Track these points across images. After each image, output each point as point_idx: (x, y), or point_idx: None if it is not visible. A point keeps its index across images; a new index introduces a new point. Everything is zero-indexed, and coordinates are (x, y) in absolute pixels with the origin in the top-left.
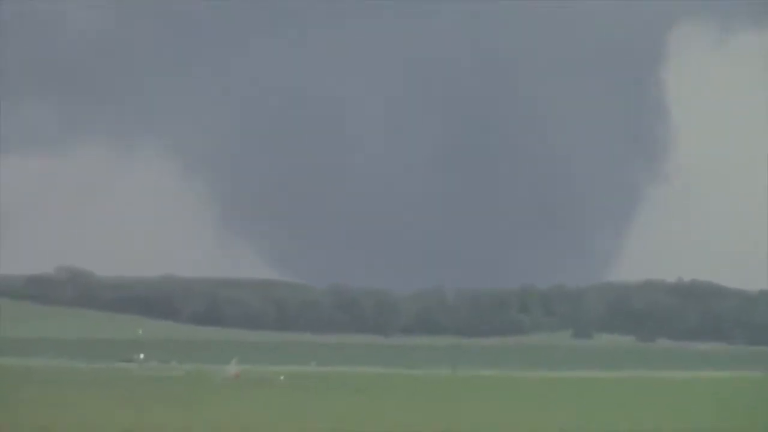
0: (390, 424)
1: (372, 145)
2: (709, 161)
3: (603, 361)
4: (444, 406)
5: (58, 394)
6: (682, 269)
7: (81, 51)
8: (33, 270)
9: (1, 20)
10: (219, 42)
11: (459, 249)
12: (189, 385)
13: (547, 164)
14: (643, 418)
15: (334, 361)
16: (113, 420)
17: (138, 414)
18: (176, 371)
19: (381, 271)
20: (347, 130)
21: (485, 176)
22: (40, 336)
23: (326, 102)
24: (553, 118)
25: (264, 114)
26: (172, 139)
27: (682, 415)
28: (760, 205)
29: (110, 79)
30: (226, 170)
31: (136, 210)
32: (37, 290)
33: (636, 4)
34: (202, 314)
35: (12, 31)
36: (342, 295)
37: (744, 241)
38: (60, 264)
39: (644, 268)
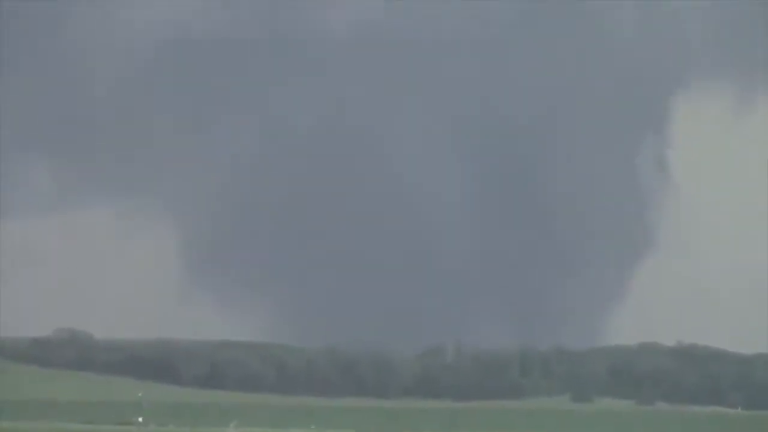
0: None
1: (372, 204)
2: (709, 226)
3: (603, 424)
4: None
5: None
6: (681, 332)
7: (84, 111)
8: (31, 332)
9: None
10: (232, 93)
11: (463, 304)
12: None
13: (547, 229)
14: None
15: (333, 424)
16: None
17: None
18: None
19: (380, 330)
20: (345, 192)
21: (487, 228)
22: (40, 398)
23: (332, 150)
24: (556, 181)
25: (269, 170)
26: (173, 202)
27: None
28: (760, 270)
29: (111, 141)
30: (226, 231)
31: (134, 273)
32: (37, 352)
33: (647, 68)
34: (201, 377)
35: (13, 91)
36: (341, 357)
37: (742, 305)
38: (59, 326)
39: (643, 331)
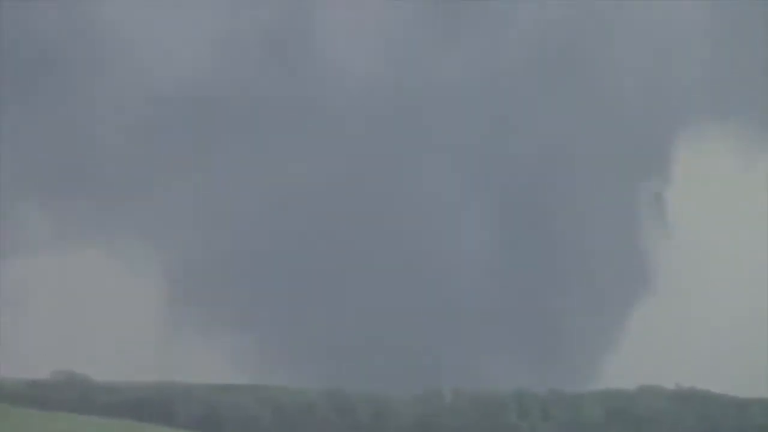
0: None
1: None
2: (709, 268)
3: None
4: None
5: None
6: (680, 375)
7: (82, 157)
8: (28, 374)
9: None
10: (228, 143)
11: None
12: None
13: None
14: None
15: None
16: None
17: None
18: None
19: (379, 372)
20: (344, 230)
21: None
22: None
23: (331, 196)
24: (555, 224)
25: (267, 212)
26: (170, 245)
27: None
28: (760, 313)
29: (109, 186)
30: (225, 274)
31: (132, 315)
32: (35, 394)
33: (649, 110)
34: (199, 419)
35: (12, 137)
36: (339, 399)
37: (742, 348)
38: (57, 368)
39: (641, 374)
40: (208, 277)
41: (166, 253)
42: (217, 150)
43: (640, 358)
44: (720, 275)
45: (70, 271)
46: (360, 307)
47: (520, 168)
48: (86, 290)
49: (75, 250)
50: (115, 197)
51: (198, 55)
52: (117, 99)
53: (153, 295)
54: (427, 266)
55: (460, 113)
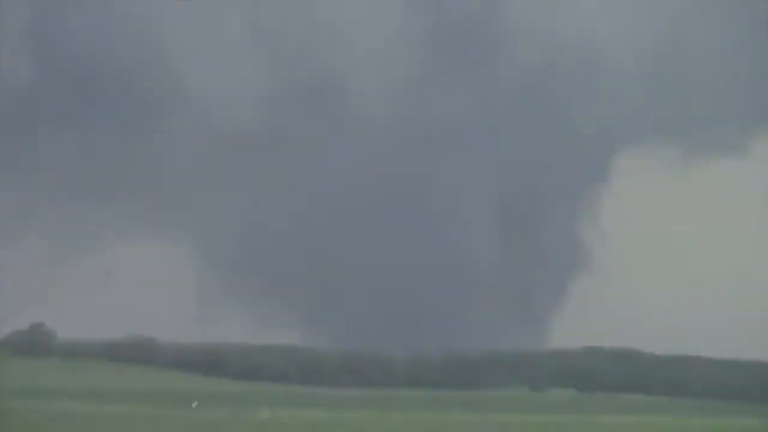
0: None
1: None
2: (635, 255)
3: (552, 408)
4: None
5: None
6: (614, 338)
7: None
8: (105, 336)
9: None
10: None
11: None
12: (231, 427)
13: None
14: None
15: (341, 408)
16: None
17: None
18: (224, 416)
19: (381, 335)
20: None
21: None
22: (118, 388)
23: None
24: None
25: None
26: (206, 227)
27: None
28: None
29: (171, 196)
30: (260, 258)
31: (184, 291)
32: (111, 353)
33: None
34: (240, 372)
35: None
36: (350, 358)
37: (662, 312)
38: (129, 332)
39: (584, 336)
40: (243, 264)
41: (215, 245)
42: (259, 176)
43: (584, 324)
44: (646, 258)
45: (141, 260)
46: (371, 282)
47: (509, 176)
48: (153, 273)
49: (146, 243)
50: (178, 203)
51: (250, 98)
52: (181, 132)
53: (202, 276)
54: (425, 265)
55: (461, 141)
